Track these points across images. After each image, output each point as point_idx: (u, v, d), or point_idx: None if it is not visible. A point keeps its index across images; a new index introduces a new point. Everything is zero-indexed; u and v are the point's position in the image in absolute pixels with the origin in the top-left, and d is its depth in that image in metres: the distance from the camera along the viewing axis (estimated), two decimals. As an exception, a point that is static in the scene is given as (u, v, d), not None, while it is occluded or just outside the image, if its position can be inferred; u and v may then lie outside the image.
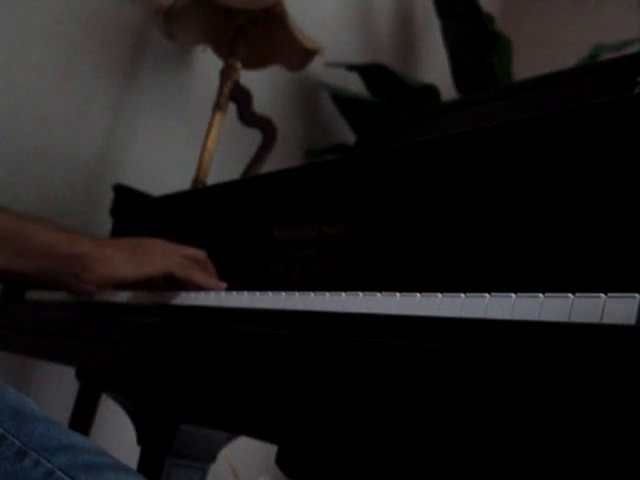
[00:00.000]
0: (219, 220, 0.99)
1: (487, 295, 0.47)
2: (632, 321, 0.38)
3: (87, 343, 0.86)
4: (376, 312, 0.53)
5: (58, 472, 0.53)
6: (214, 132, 1.48)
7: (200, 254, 0.85)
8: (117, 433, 1.42)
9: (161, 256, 0.81)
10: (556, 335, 0.40)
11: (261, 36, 1.56)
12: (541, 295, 0.44)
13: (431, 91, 1.81)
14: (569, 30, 2.23)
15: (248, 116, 1.50)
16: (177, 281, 0.81)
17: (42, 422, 0.58)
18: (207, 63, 1.66)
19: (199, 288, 0.80)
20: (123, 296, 0.87)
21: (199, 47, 1.67)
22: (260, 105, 1.53)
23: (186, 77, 1.70)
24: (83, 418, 1.34)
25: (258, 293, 0.68)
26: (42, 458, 0.54)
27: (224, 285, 0.81)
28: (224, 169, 1.51)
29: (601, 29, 2.13)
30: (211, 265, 0.85)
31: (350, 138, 1.88)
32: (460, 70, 1.91)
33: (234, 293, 0.73)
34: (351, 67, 1.90)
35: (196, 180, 1.46)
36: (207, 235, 1.00)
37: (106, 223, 1.36)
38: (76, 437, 0.58)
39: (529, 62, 1.89)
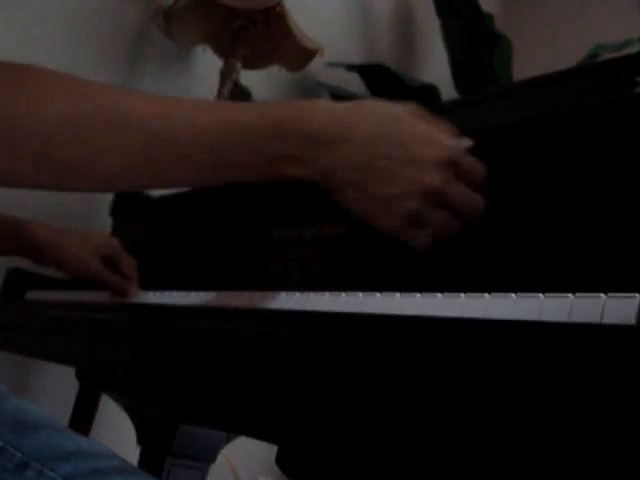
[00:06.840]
0: (219, 220, 0.99)
1: (487, 295, 0.47)
2: (632, 321, 0.38)
3: (87, 343, 0.86)
4: (376, 312, 0.53)
5: None
6: (214, 132, 1.47)
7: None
8: (117, 433, 1.42)
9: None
10: (556, 335, 0.40)
11: (261, 36, 1.56)
12: (541, 295, 0.44)
13: (431, 91, 1.81)
14: (569, 30, 2.23)
15: (248, 116, 1.50)
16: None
17: (45, 430, 0.57)
18: (207, 63, 1.66)
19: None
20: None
21: (199, 47, 1.67)
22: (260, 105, 1.52)
23: (186, 77, 1.70)
24: (83, 418, 1.34)
25: (258, 293, 0.68)
26: (45, 468, 0.53)
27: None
28: (224, 169, 1.50)
29: (601, 29, 2.13)
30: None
31: (350, 138, 1.88)
32: (460, 70, 1.91)
33: (233, 293, 0.73)
34: (351, 67, 1.90)
35: (196, 180, 1.46)
36: (207, 235, 1.00)
37: (106, 223, 1.36)
38: (81, 442, 0.57)
39: (529, 62, 1.89)
